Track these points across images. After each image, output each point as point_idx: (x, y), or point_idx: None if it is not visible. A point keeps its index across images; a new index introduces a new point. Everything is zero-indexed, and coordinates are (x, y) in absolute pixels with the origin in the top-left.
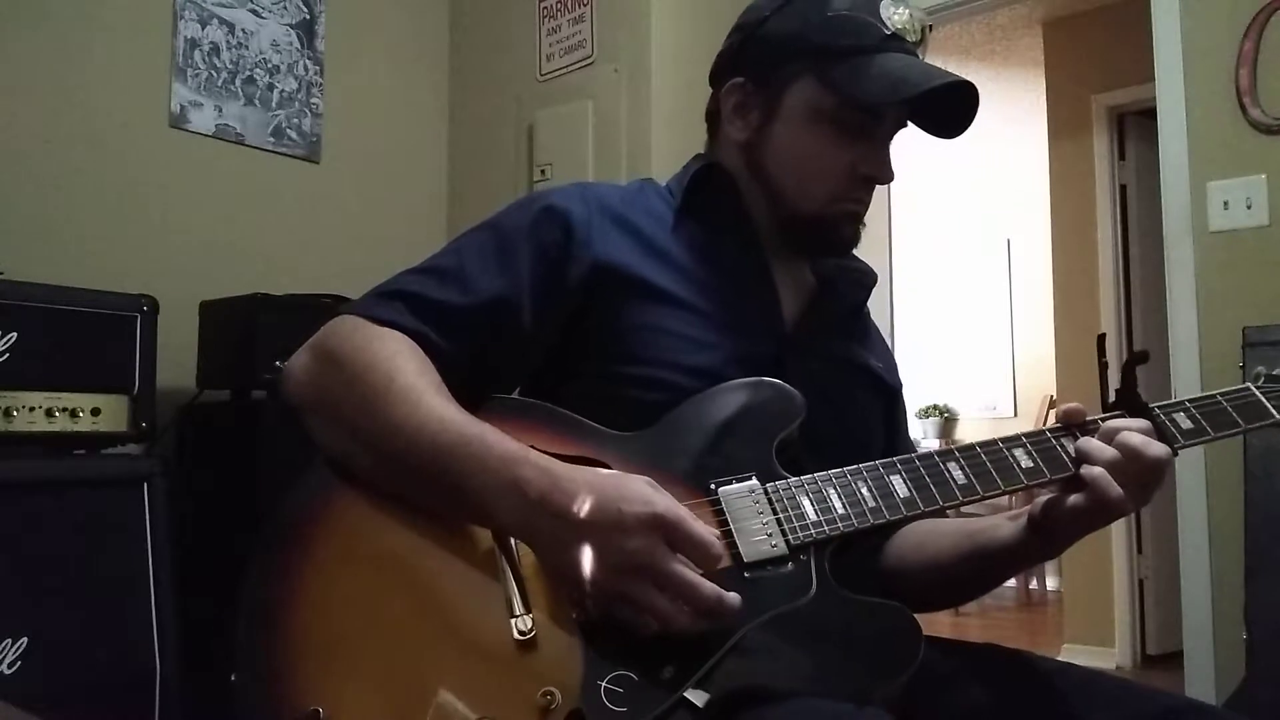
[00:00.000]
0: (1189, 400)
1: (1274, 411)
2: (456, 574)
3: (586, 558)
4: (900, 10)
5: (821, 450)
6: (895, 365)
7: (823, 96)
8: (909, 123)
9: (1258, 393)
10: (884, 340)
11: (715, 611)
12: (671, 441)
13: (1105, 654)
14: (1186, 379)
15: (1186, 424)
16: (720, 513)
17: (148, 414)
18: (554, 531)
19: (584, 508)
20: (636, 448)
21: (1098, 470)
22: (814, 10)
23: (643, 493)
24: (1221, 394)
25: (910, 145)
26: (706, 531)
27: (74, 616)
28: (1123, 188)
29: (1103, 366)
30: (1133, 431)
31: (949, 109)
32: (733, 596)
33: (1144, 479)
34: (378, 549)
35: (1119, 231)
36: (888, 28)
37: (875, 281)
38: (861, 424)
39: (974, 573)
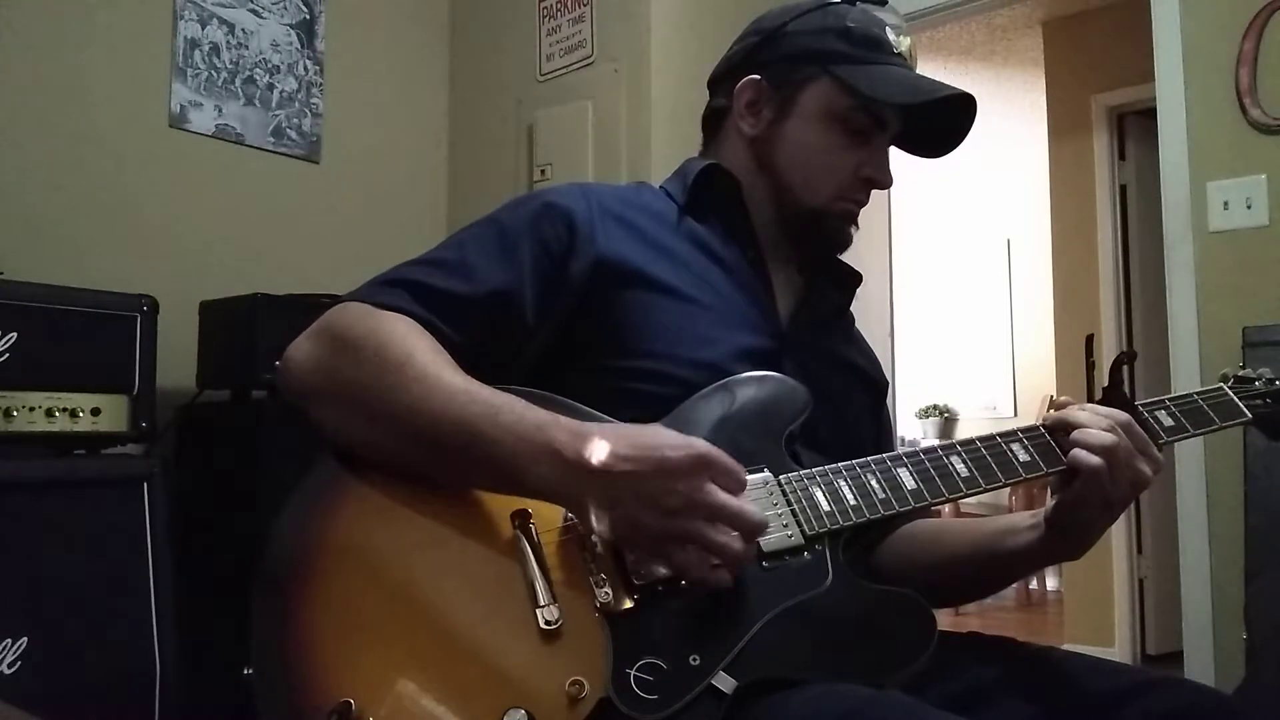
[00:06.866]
0: (1169, 399)
1: (1245, 410)
2: (478, 564)
3: (639, 507)
4: (903, 38)
5: (817, 444)
6: (879, 363)
7: (838, 98)
8: (896, 146)
9: (1230, 392)
10: (866, 340)
11: (761, 532)
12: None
13: (1105, 654)
14: (1186, 379)
15: (1168, 421)
16: None
17: (148, 414)
18: (596, 489)
19: (625, 460)
20: None
21: (1073, 451)
22: (832, 21)
23: (678, 435)
24: (1198, 393)
25: None
26: (734, 462)
27: (74, 616)
28: (1123, 188)
29: (1089, 365)
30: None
31: (943, 127)
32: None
33: (1108, 445)
34: (398, 540)
35: (1119, 231)
36: (895, 49)
37: (860, 283)
38: (854, 419)
39: (996, 571)
